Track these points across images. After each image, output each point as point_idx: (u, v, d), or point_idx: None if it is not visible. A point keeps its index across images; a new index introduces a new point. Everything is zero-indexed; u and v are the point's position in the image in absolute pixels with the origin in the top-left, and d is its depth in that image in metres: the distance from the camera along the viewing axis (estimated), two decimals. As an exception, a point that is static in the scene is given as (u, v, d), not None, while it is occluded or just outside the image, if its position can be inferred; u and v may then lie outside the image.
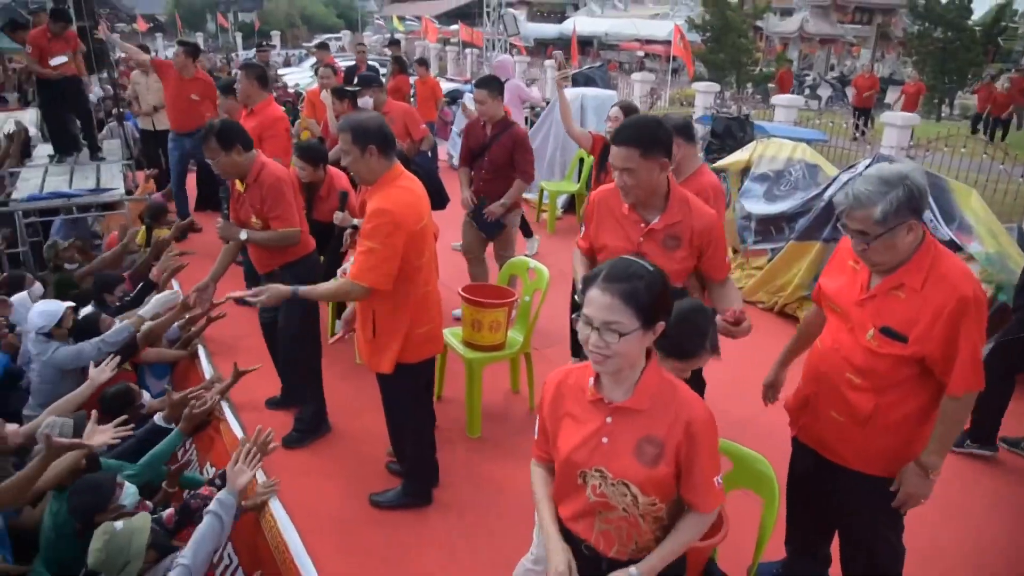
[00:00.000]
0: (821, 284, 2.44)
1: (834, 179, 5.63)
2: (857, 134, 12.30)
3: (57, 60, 7.37)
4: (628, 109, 4.71)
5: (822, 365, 2.34)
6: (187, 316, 4.84)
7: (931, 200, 5.05)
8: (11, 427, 3.32)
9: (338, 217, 4.37)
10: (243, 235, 3.68)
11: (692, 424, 1.75)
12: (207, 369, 4.62)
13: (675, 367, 2.20)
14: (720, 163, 6.69)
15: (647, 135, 2.53)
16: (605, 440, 1.80)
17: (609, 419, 1.80)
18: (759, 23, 25.42)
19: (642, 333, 1.69)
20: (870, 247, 2.08)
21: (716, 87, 14.35)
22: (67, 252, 5.91)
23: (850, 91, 19.22)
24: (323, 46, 10.32)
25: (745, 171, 6.44)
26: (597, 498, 1.82)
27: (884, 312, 2.14)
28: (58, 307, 4.11)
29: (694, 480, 1.79)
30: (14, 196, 6.55)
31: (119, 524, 2.61)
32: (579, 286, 2.63)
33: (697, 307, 2.32)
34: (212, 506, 2.77)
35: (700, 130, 10.74)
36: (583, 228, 2.98)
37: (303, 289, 3.05)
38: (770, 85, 21.06)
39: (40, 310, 4.10)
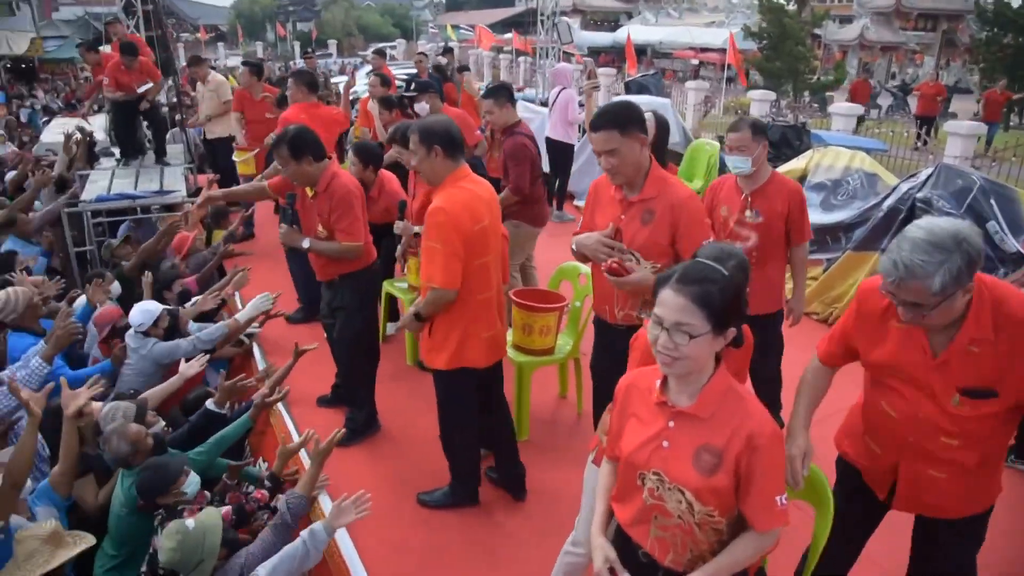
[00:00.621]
0: (862, 353, 2.19)
1: (893, 188, 5.50)
2: (919, 143, 11.97)
3: (144, 87, 7.82)
4: (658, 118, 4.53)
5: (907, 434, 2.12)
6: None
7: (997, 211, 4.90)
8: (96, 405, 3.47)
9: (399, 226, 4.40)
10: (305, 243, 3.69)
11: (755, 437, 1.71)
12: (260, 364, 4.73)
13: None
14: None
15: (623, 115, 2.66)
16: (665, 444, 1.79)
17: (671, 423, 1.79)
18: (817, 31, 24.92)
19: (712, 337, 1.69)
20: (926, 317, 1.89)
21: (772, 95, 14.11)
22: (121, 250, 6.10)
23: (912, 100, 18.72)
24: (380, 53, 10.37)
25: (801, 180, 6.32)
26: (654, 500, 1.81)
27: (966, 373, 1.96)
28: (156, 307, 4.31)
29: (752, 496, 1.74)
30: (83, 197, 6.82)
31: (191, 522, 2.63)
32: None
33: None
34: (305, 535, 2.73)
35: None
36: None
37: (422, 312, 3.05)
38: (828, 93, 20.65)
39: (141, 309, 4.28)
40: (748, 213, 3.51)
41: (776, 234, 3.54)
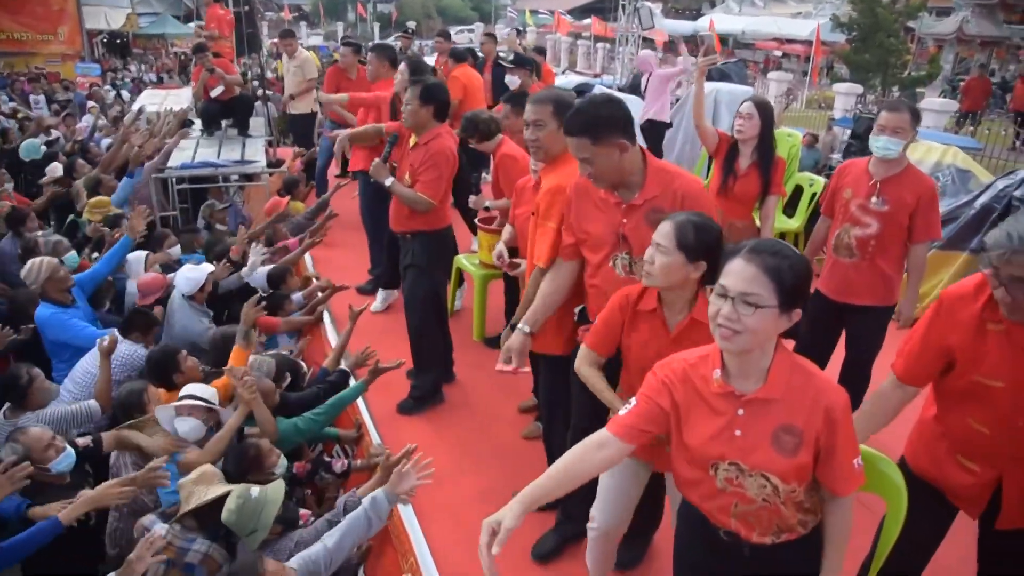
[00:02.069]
0: (964, 370, 2.04)
1: (988, 186, 5.21)
2: (1017, 143, 11.34)
3: (216, 91, 8.07)
4: (762, 106, 4.17)
5: (1008, 448, 2.02)
6: (315, 288, 5.15)
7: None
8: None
9: (472, 200, 4.44)
10: (388, 181, 3.87)
11: (832, 410, 1.69)
12: (331, 334, 4.82)
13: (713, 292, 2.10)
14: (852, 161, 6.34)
15: (593, 120, 2.34)
16: (738, 433, 1.74)
17: (741, 411, 1.74)
18: (911, 23, 23.78)
19: (777, 313, 1.64)
20: None
21: (858, 88, 13.58)
22: (220, 213, 6.43)
23: (1009, 97, 17.66)
24: (444, 35, 10.23)
25: (888, 173, 6.07)
26: (733, 488, 1.78)
27: None
28: (201, 273, 4.44)
29: (835, 465, 1.73)
30: (169, 164, 7.09)
31: (255, 490, 2.70)
32: (525, 326, 2.70)
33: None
34: (367, 504, 2.79)
35: (839, 133, 10.24)
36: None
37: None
38: (919, 89, 19.73)
39: (186, 276, 4.43)
40: (874, 199, 3.37)
41: (898, 226, 3.37)
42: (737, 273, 1.65)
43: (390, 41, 11.84)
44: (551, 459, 3.35)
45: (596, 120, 2.34)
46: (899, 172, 3.38)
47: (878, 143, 3.33)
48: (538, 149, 2.79)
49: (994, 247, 1.82)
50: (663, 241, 2.08)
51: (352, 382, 3.80)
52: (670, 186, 2.43)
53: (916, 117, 3.37)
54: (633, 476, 2.45)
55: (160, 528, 2.63)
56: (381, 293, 5.27)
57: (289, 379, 3.75)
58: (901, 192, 3.36)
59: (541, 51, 10.31)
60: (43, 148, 8.26)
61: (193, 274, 4.50)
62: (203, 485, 2.74)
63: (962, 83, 18.33)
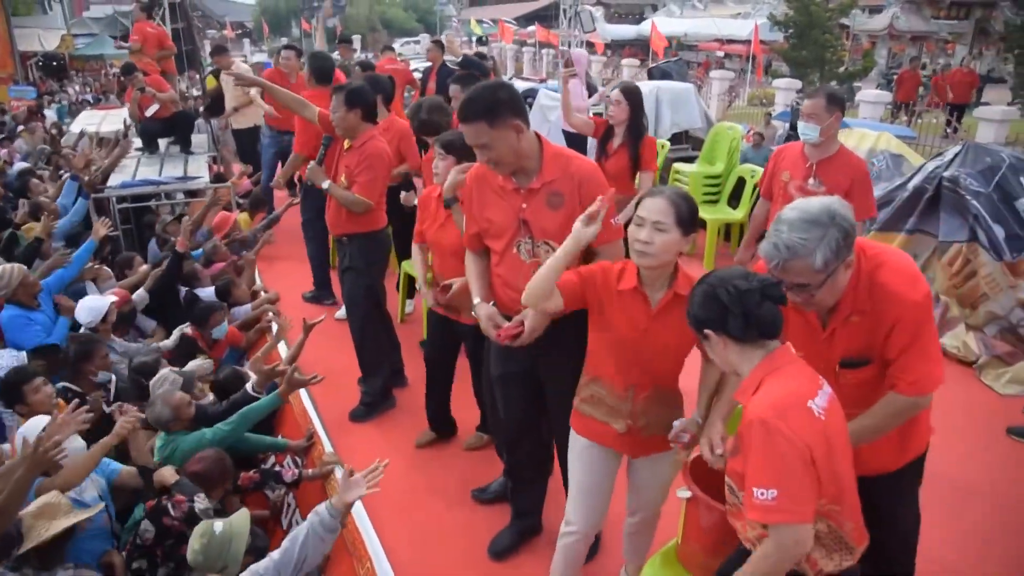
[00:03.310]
0: None
1: (919, 168, 5.38)
2: (949, 131, 11.74)
3: (151, 110, 7.88)
4: (629, 92, 4.49)
5: None
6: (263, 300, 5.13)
7: (1027, 190, 4.78)
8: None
9: (403, 196, 4.38)
10: (325, 184, 3.85)
11: (747, 421, 1.80)
12: (282, 346, 4.75)
13: (634, 221, 2.18)
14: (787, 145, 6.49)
15: (489, 103, 2.33)
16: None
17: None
18: (845, 20, 24.49)
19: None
20: (814, 296, 1.92)
21: (797, 84, 13.93)
22: (173, 226, 6.40)
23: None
24: (388, 49, 10.21)
25: (825, 162, 6.22)
26: None
27: (847, 344, 2.03)
28: (102, 303, 4.28)
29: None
30: (109, 183, 6.92)
31: (219, 525, 2.59)
32: (475, 298, 2.67)
33: None
34: (313, 520, 2.55)
35: (779, 127, 10.46)
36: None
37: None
38: (856, 83, 20.31)
39: (87, 306, 4.26)
40: (811, 181, 3.52)
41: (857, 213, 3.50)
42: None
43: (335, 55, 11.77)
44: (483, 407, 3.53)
45: (491, 104, 2.33)
46: (832, 155, 3.54)
47: (799, 128, 3.55)
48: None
49: (768, 260, 1.91)
50: (663, 219, 2.07)
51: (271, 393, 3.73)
52: (567, 169, 2.45)
53: (835, 103, 3.49)
54: (608, 469, 2.45)
55: None
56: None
57: (208, 390, 3.78)
58: (836, 175, 3.49)
59: (483, 56, 10.34)
60: None
61: (95, 304, 4.31)
62: (45, 519, 2.55)
63: (896, 76, 18.91)
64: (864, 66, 22.79)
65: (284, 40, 38.21)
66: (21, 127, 12.16)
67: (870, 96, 11.68)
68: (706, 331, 1.81)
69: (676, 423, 2.24)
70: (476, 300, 2.66)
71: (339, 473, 3.33)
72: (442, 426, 3.80)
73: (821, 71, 20.82)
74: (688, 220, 2.10)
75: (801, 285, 1.89)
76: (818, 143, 3.50)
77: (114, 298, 4.49)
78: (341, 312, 5.12)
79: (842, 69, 21.81)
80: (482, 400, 3.63)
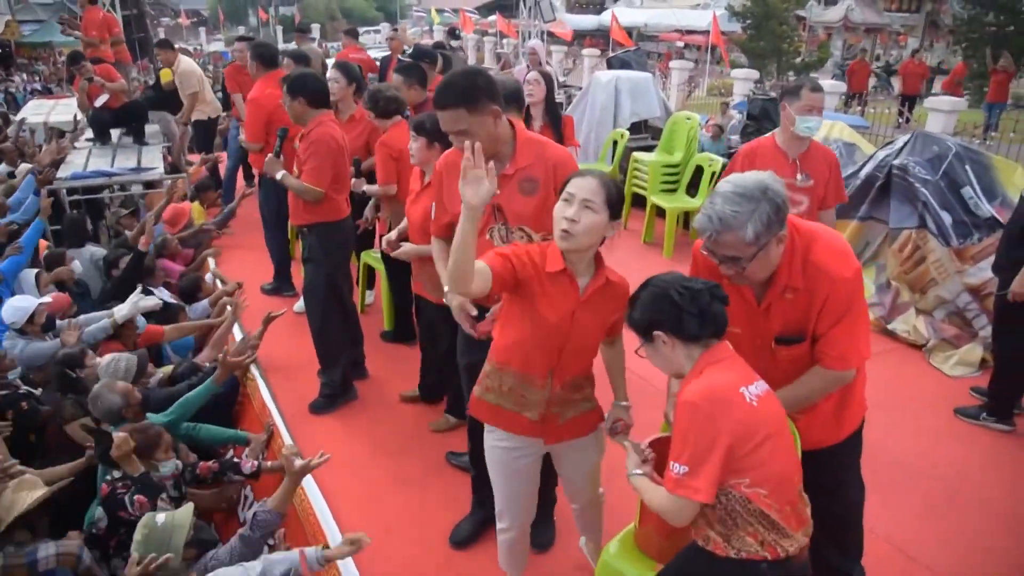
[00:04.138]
0: None
1: (871, 156, 5.50)
2: (901, 120, 12.02)
3: (100, 100, 7.65)
4: (545, 76, 4.74)
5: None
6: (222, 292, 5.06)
7: (972, 177, 4.92)
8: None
9: (353, 183, 4.28)
10: (280, 174, 3.80)
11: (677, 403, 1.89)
12: (239, 337, 4.69)
13: (560, 199, 2.16)
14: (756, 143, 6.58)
15: (468, 89, 2.31)
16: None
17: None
18: (802, 12, 24.89)
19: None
20: (746, 270, 1.95)
21: (755, 74, 14.12)
22: (126, 220, 6.26)
23: (896, 80, 18.66)
24: (351, 34, 9.89)
25: (781, 151, 6.32)
26: None
27: (783, 320, 2.07)
28: (30, 304, 4.14)
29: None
30: (58, 175, 6.73)
31: (161, 517, 2.60)
32: (446, 286, 2.54)
33: None
34: (294, 556, 2.58)
35: (736, 116, 10.60)
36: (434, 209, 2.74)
37: None
38: (812, 74, 20.65)
39: (14, 306, 4.13)
40: (799, 177, 3.49)
41: (819, 197, 3.55)
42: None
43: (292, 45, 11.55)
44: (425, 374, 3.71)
45: (470, 89, 2.30)
46: (809, 148, 3.55)
47: (809, 123, 3.45)
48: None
49: (702, 231, 1.95)
50: (593, 198, 2.05)
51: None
52: (542, 155, 2.46)
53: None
54: (529, 468, 2.42)
55: None
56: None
57: (151, 377, 3.75)
58: (817, 165, 3.52)
59: (442, 46, 10.23)
60: None
61: (22, 303, 4.17)
62: (24, 491, 2.67)
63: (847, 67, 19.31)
64: (820, 57, 23.22)
65: (241, 29, 37.53)
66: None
67: (825, 86, 11.86)
68: (656, 332, 1.85)
69: (606, 416, 2.35)
70: (447, 288, 2.63)
71: (297, 463, 3.33)
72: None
73: (778, 62, 21.15)
74: (616, 204, 2.10)
75: (733, 258, 1.93)
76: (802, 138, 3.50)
77: (47, 299, 4.33)
78: (300, 304, 5.07)
79: (799, 60, 22.19)
80: (451, 381, 3.63)
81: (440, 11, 33.45)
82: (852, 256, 2.05)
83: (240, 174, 7.62)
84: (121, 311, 4.37)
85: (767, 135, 3.75)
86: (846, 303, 2.00)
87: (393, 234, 3.64)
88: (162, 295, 5.06)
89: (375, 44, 18.48)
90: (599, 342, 2.31)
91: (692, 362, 1.85)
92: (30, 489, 2.71)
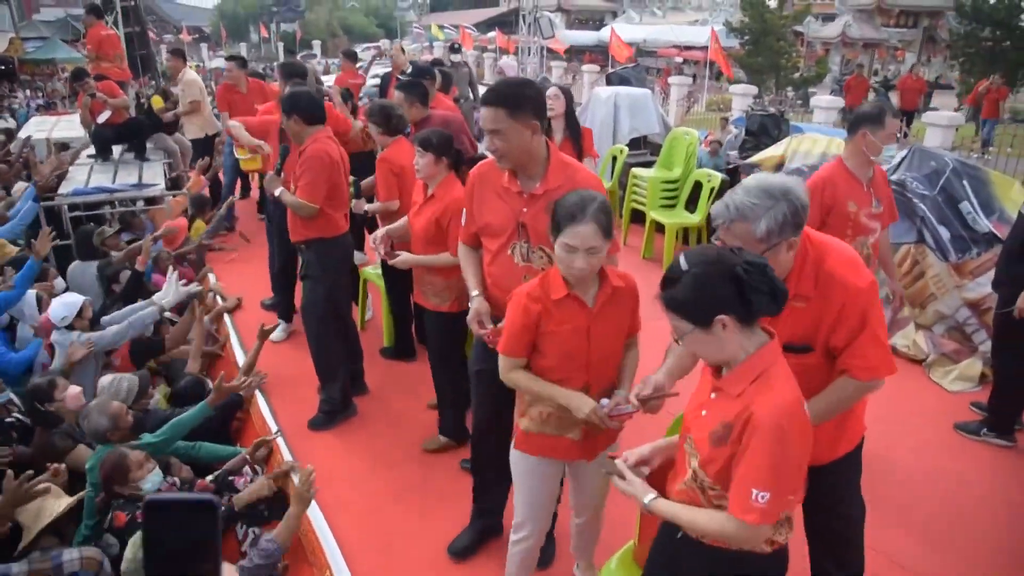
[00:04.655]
0: None
1: (870, 172, 5.53)
2: (899, 135, 12.07)
3: (103, 116, 7.67)
4: (564, 90, 4.85)
5: None
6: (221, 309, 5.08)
7: (970, 192, 4.93)
8: (74, 388, 3.48)
9: (353, 204, 4.35)
10: (278, 191, 3.88)
11: (752, 418, 1.64)
12: (238, 352, 4.70)
13: (562, 245, 2.13)
14: (754, 158, 6.62)
15: (514, 95, 2.42)
16: (704, 413, 1.78)
17: (713, 395, 1.77)
18: (799, 28, 25.09)
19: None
20: None
21: (754, 90, 14.18)
22: (112, 240, 6.12)
23: (894, 95, 18.77)
24: (349, 56, 9.55)
25: (779, 167, 6.35)
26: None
27: (790, 328, 2.01)
28: (76, 299, 4.27)
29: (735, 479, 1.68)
30: (60, 191, 6.76)
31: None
32: (472, 291, 2.70)
33: None
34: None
35: (734, 131, 10.65)
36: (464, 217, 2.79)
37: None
38: (811, 89, 20.76)
39: (62, 302, 4.24)
40: (874, 203, 3.37)
41: (886, 220, 3.49)
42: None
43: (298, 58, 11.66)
44: (441, 398, 3.67)
45: (517, 96, 2.42)
46: (874, 172, 3.39)
47: (891, 151, 3.36)
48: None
49: (716, 218, 1.98)
50: (595, 243, 2.07)
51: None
52: (573, 179, 2.48)
53: None
54: (556, 479, 2.50)
55: (16, 568, 2.61)
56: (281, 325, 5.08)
57: (154, 396, 3.79)
58: (883, 189, 3.46)
59: (440, 63, 10.24)
60: None
61: (69, 300, 4.28)
62: (51, 499, 2.78)
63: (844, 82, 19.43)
64: (818, 72, 23.34)
65: (243, 46, 37.78)
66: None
67: (823, 102, 11.92)
68: (719, 317, 1.64)
69: (604, 401, 2.21)
70: (474, 293, 2.70)
71: (295, 477, 3.33)
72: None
73: (777, 77, 21.25)
74: (610, 228, 2.12)
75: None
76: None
77: (87, 297, 4.44)
78: (278, 333, 4.96)
79: (797, 75, 22.30)
80: (447, 401, 3.67)
81: (441, 27, 33.69)
82: (865, 268, 2.06)
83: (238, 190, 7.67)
84: (165, 298, 4.57)
85: (829, 162, 3.50)
86: (862, 314, 2.00)
87: (381, 232, 3.63)
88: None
89: (379, 61, 18.53)
90: (623, 343, 2.34)
91: (746, 354, 1.69)
92: (56, 497, 2.81)
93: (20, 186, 6.95)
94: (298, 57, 12.77)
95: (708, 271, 1.65)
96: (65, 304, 4.20)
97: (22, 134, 10.42)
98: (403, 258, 3.47)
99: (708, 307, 1.64)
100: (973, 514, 3.35)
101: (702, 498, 1.77)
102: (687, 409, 1.88)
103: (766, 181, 1.95)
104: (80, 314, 4.20)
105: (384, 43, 32.50)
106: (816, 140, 6.34)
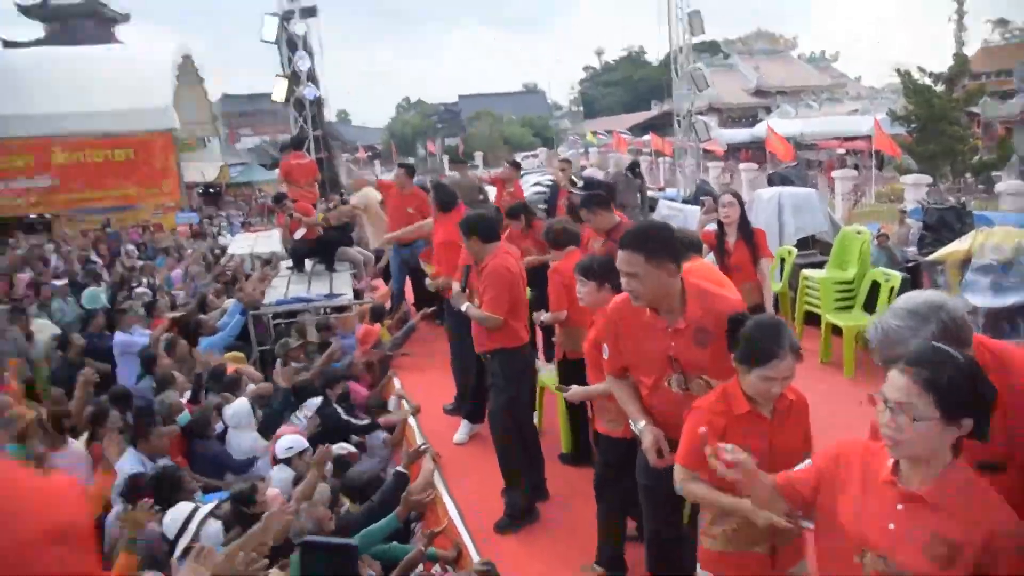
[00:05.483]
0: None
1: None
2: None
3: (299, 233, 8.92)
4: (737, 196, 5.09)
5: None
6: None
7: None
8: (273, 490, 3.83)
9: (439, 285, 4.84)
10: (464, 306, 4.26)
11: (994, 536, 1.61)
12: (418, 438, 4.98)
13: (760, 377, 2.22)
14: (935, 255, 6.31)
15: (652, 240, 2.48)
16: (891, 526, 1.72)
17: (900, 506, 1.71)
18: (974, 108, 23.69)
19: (941, 424, 1.62)
20: None
21: (927, 179, 13.55)
22: (295, 352, 6.43)
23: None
24: (513, 166, 9.40)
25: (965, 263, 6.01)
26: None
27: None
28: (301, 443, 4.59)
29: None
30: (264, 301, 7.62)
31: None
32: (634, 419, 2.74)
33: (773, 318, 2.53)
34: None
35: (913, 226, 10.17)
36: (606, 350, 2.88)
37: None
38: (994, 173, 19.41)
39: (287, 445, 4.54)
40: None
41: None
42: (893, 384, 1.69)
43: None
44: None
45: (655, 241, 2.50)
46: None
47: None
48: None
49: (872, 339, 1.97)
50: (793, 372, 2.20)
51: (409, 483, 4.02)
52: (713, 307, 2.56)
53: None
54: None
55: None
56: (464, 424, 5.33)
57: (346, 504, 4.03)
58: None
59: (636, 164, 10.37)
60: (103, 297, 8.89)
61: (295, 442, 4.58)
62: None
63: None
64: (1000, 155, 21.78)
65: (411, 160, 40.93)
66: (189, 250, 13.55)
67: (1012, 187, 11.14)
68: (965, 420, 1.63)
69: (708, 450, 2.01)
70: (641, 424, 2.71)
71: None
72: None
73: (952, 164, 20.06)
74: (799, 352, 2.27)
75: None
76: None
77: (307, 443, 4.66)
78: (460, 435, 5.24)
79: (975, 159, 20.95)
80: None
81: (595, 133, 34.97)
82: None
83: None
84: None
85: None
86: None
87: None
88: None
89: (534, 168, 19.51)
90: (804, 450, 2.36)
91: (946, 462, 1.67)
92: None
93: (228, 302, 7.89)
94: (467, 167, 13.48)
95: (972, 371, 1.64)
96: (295, 440, 4.57)
97: (230, 251, 11.87)
98: (575, 392, 3.58)
99: (964, 405, 1.61)
100: None
101: None
102: (846, 520, 1.80)
103: (913, 300, 1.91)
104: (302, 455, 4.49)
105: (542, 151, 34.12)
106: (1008, 232, 5.98)
